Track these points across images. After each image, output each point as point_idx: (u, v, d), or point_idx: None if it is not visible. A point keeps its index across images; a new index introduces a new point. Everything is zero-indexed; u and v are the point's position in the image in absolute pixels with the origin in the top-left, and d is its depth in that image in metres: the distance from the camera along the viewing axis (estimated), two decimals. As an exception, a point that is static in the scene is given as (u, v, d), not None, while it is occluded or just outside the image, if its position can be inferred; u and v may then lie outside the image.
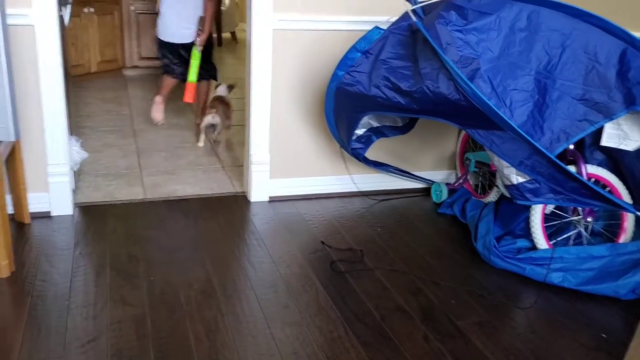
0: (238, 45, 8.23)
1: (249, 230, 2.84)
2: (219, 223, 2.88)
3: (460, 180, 3.20)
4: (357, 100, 2.51)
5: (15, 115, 2.27)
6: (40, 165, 2.79)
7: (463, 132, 3.25)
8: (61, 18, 2.81)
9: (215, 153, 3.89)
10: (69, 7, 3.00)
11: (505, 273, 2.53)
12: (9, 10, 2.46)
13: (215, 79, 4.35)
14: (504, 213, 2.77)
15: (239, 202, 3.15)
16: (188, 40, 3.96)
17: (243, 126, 4.35)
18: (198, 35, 3.93)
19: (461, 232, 2.89)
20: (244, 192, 3.25)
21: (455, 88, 2.14)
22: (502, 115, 2.07)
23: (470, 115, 2.19)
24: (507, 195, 2.70)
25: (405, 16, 2.40)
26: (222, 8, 7.79)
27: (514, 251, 2.57)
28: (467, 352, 2.03)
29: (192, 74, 4.00)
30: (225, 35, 8.42)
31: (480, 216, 2.76)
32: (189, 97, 4.06)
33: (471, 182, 3.20)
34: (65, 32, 2.96)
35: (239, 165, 3.60)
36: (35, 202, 2.81)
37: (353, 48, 2.49)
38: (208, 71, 4.21)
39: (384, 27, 2.49)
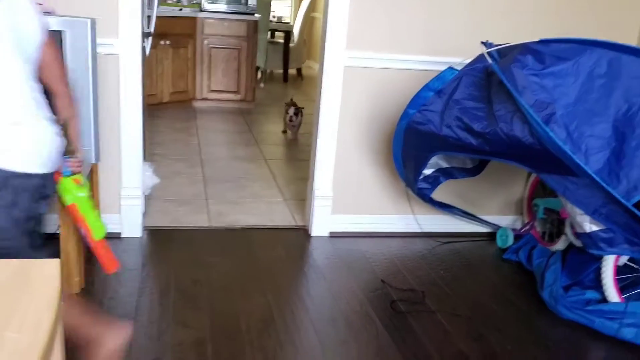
0: (303, 81, 8.39)
1: (309, 263, 2.85)
2: (279, 254, 2.90)
3: (527, 227, 3.13)
4: (427, 140, 2.52)
5: (97, 139, 2.38)
6: (114, 188, 2.90)
7: (532, 177, 3.20)
8: (143, 49, 2.95)
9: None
10: (150, 38, 3.15)
11: (573, 324, 2.43)
12: (97, 40, 2.60)
13: None
14: (573, 263, 2.68)
15: (299, 235, 3.17)
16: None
17: (306, 161, 4.42)
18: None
19: (526, 280, 2.82)
20: (304, 226, 3.27)
21: (530, 132, 2.12)
22: (578, 160, 2.03)
23: (543, 160, 2.15)
24: (578, 244, 2.63)
25: (480, 58, 2.40)
26: (291, 44, 7.99)
27: (582, 302, 2.48)
28: (532, 404, 1.96)
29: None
30: (291, 71, 8.61)
31: (547, 264, 2.68)
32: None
33: (538, 229, 3.13)
34: (145, 63, 3.10)
35: (300, 199, 3.64)
36: (107, 223, 2.89)
37: (426, 87, 2.50)
38: None
39: (458, 67, 2.50)
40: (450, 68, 2.50)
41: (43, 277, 0.92)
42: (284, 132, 5.34)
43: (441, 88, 2.46)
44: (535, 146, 2.12)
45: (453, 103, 2.39)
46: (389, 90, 3.02)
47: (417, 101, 2.53)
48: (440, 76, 2.50)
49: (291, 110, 5.11)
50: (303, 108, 5.18)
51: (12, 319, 0.82)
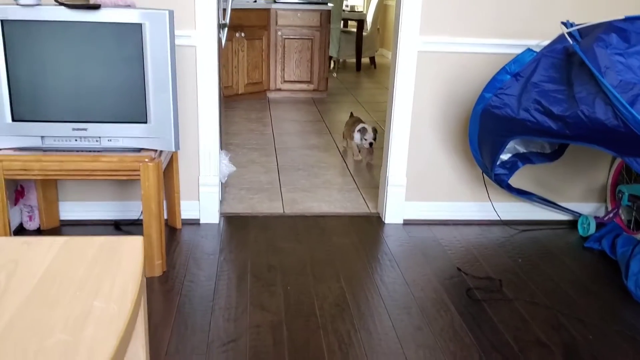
0: (377, 70, 8.35)
1: (382, 250, 2.84)
2: (352, 241, 2.92)
3: (611, 214, 2.99)
4: (504, 124, 2.45)
5: (177, 128, 2.46)
6: (193, 177, 3.00)
7: (616, 163, 3.05)
8: (219, 40, 3.02)
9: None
10: (226, 30, 3.23)
11: (661, 317, 2.32)
12: (175, 32, 2.70)
13: None
14: (662, 252, 2.55)
15: (372, 222, 3.17)
16: None
17: (379, 149, 4.41)
18: None
19: (610, 269, 2.70)
20: (377, 213, 3.26)
21: (614, 114, 2.02)
22: (667, 143, 1.92)
23: (629, 143, 2.05)
24: (667, 232, 2.49)
25: (560, 39, 2.32)
26: (364, 33, 7.96)
27: (672, 294, 2.35)
28: (615, 396, 1.88)
29: None
30: (364, 60, 8.59)
31: (633, 253, 2.56)
32: None
33: (623, 217, 2.99)
34: (221, 54, 3.18)
35: (373, 186, 3.64)
36: (187, 210, 3.02)
37: (503, 70, 2.44)
38: None
39: (537, 49, 2.42)
40: (529, 50, 2.43)
41: (127, 251, 0.98)
42: (350, 149, 4.32)
43: (518, 71, 2.39)
44: (620, 129, 2.02)
45: (531, 86, 2.32)
46: (464, 75, 2.96)
47: (494, 84, 2.46)
48: (517, 58, 2.43)
49: (369, 135, 4.02)
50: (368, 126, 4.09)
51: (100, 290, 0.88)
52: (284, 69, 6.22)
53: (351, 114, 4.58)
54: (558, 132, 2.27)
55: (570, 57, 2.24)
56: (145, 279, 1.02)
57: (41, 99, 2.35)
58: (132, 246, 1.00)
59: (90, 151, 2.42)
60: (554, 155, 2.80)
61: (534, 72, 2.33)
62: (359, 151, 4.21)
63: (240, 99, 5.95)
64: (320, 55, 6.21)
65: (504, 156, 2.74)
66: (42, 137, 2.40)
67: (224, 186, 3.40)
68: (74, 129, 2.40)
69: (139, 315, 0.97)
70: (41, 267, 0.92)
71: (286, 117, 5.45)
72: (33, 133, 2.39)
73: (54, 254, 0.96)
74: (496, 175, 2.78)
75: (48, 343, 0.73)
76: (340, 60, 8.35)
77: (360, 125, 4.11)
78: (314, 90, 6.32)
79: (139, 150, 2.45)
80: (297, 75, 6.27)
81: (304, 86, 6.29)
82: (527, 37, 2.82)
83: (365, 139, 4.05)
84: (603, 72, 2.07)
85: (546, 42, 2.44)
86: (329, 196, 3.51)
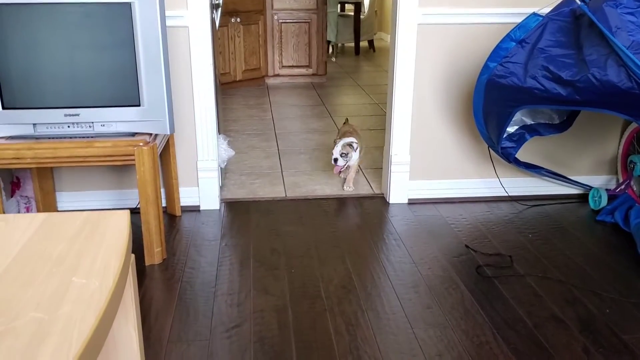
0: (376, 53, 8.24)
1: (388, 230, 2.77)
2: (356, 222, 2.84)
3: (623, 186, 2.90)
4: (510, 94, 2.36)
5: (171, 110, 2.38)
6: (191, 162, 2.92)
7: (627, 133, 2.96)
8: (213, 21, 2.93)
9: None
10: (219, 10, 3.13)
11: (679, 288, 2.24)
12: (167, 13, 2.61)
13: None
14: (677, 221, 2.47)
15: (377, 203, 3.09)
16: None
17: (381, 130, 4.34)
18: None
19: (623, 241, 2.62)
20: (382, 194, 3.18)
21: (627, 75, 1.93)
22: (683, 105, 1.84)
23: (642, 106, 1.96)
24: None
25: (566, 1, 2.22)
26: (361, 16, 7.84)
27: (690, 263, 2.27)
28: (636, 370, 1.81)
29: None
30: (363, 44, 8.47)
31: (648, 224, 2.48)
32: None
33: (635, 188, 2.90)
34: (215, 36, 3.09)
35: (376, 167, 3.55)
36: (186, 196, 2.94)
37: (507, 37, 2.34)
38: None
39: (543, 14, 2.32)
40: (534, 14, 2.33)
41: (112, 226, 0.90)
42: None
43: (524, 37, 2.29)
44: (634, 91, 1.93)
45: (538, 52, 2.22)
46: (467, 47, 2.87)
47: (498, 53, 2.37)
48: (522, 24, 2.33)
49: (336, 150, 3.13)
50: (355, 143, 3.17)
51: (81, 266, 0.80)
52: (281, 54, 6.12)
53: (346, 120, 3.64)
54: (568, 98, 2.18)
55: (578, 20, 2.14)
56: (133, 256, 0.95)
57: (31, 84, 2.27)
58: (117, 220, 0.92)
59: (83, 137, 2.34)
60: (563, 125, 2.71)
61: (541, 37, 2.23)
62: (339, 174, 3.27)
63: (238, 86, 5.85)
64: (318, 38, 6.10)
65: (511, 129, 2.65)
66: (34, 124, 2.32)
67: (224, 172, 3.32)
68: (66, 115, 2.31)
69: (127, 296, 0.89)
70: (17, 245, 0.84)
71: (286, 102, 5.36)
72: (24, 120, 2.31)
73: (33, 231, 0.89)
74: (503, 149, 2.69)
75: (18, 323, 0.65)
76: (339, 44, 8.23)
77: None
78: (313, 74, 6.21)
79: (133, 134, 2.37)
80: (295, 60, 6.16)
81: (302, 71, 6.18)
82: (532, 5, 2.71)
83: (332, 154, 3.16)
84: (614, 33, 1.97)
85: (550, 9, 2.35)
86: (332, 178, 3.43)
